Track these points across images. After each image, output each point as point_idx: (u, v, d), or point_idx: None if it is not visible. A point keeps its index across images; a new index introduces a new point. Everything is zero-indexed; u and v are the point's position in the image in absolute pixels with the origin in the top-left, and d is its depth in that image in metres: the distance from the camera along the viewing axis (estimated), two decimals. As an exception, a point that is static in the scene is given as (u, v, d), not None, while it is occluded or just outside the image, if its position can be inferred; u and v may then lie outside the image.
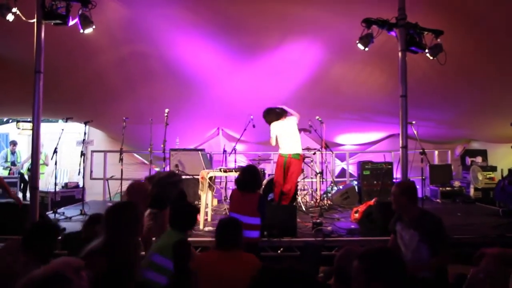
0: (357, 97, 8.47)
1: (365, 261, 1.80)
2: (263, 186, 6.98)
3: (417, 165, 7.57)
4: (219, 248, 2.92)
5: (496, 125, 8.57)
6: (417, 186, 8.20)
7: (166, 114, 5.77)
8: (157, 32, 6.34)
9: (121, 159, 6.45)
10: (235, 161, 7.92)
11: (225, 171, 5.72)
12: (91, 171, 8.78)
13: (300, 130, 10.20)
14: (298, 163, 6.37)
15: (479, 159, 9.26)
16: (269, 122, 6.47)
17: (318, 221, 5.39)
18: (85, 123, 6.86)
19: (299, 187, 7.44)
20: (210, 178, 5.90)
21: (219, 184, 8.11)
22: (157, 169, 10.08)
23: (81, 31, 4.45)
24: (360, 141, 10.72)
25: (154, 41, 6.54)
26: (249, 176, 4.10)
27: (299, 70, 7.71)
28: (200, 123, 9.33)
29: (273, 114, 6.48)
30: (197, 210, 3.31)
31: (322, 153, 7.27)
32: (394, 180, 7.91)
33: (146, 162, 9.47)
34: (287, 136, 6.44)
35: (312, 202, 7.96)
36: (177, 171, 7.92)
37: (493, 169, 8.84)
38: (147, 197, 3.46)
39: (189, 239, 4.76)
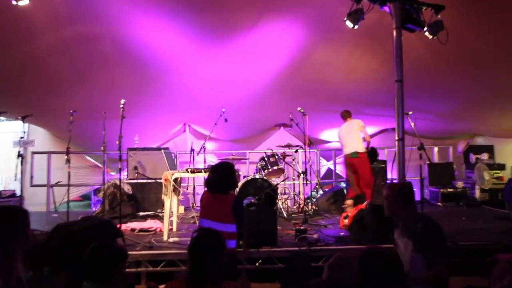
0: (345, 86, 8.52)
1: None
2: (237, 188, 6.99)
3: (415, 164, 7.64)
4: (192, 285, 2.49)
5: (504, 117, 8.73)
6: (415, 189, 8.40)
7: (122, 105, 5.64)
8: (109, 9, 6.21)
9: (68, 160, 6.28)
10: (205, 161, 7.90)
11: (192, 172, 5.66)
12: (32, 177, 8.55)
13: (279, 125, 10.41)
14: (358, 161, 7.16)
15: (485, 156, 9.44)
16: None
17: (302, 228, 5.43)
18: (22, 119, 6.64)
19: (279, 191, 7.50)
20: (175, 180, 5.86)
21: (186, 189, 8.04)
22: (112, 173, 9.93)
23: (14, 2, 4.27)
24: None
25: (105, 20, 6.40)
26: (221, 173, 4.06)
27: (278, 55, 7.71)
28: (163, 118, 9.24)
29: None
30: (120, 253, 2.67)
31: (305, 151, 7.29)
32: (388, 181, 7.99)
33: (99, 165, 9.28)
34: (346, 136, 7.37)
35: (295, 207, 8.01)
36: (136, 174, 7.86)
37: (501, 167, 8.98)
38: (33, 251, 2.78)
39: (151, 252, 4.68)
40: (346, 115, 7.60)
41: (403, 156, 4.86)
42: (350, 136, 7.32)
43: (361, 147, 7.23)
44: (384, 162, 8.25)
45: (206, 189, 4.11)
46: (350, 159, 7.27)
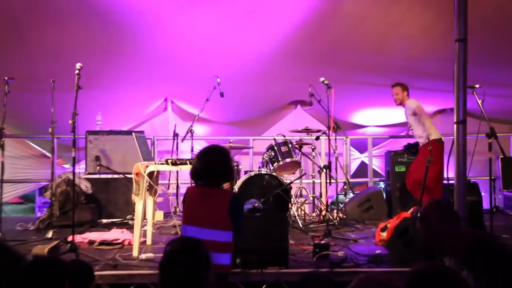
0: (386, 50, 8.45)
1: None
2: (236, 188, 7.03)
3: (482, 158, 7.56)
4: None
5: None
6: (483, 193, 8.27)
7: (77, 71, 5.57)
8: None
9: (1, 147, 6.24)
10: (192, 150, 7.86)
11: (174, 164, 5.62)
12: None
13: (295, 102, 10.36)
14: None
15: None
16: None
17: (322, 243, 5.41)
18: None
19: (293, 193, 7.55)
20: (151, 175, 5.85)
21: (167, 188, 7.99)
22: (66, 166, 9.90)
23: None
24: (390, 121, 10.77)
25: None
26: (211, 160, 4.06)
27: (293, 6, 7.61)
28: (136, 91, 9.25)
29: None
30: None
31: (329, 139, 7.22)
32: (444, 182, 7.92)
33: (47, 154, 9.25)
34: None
35: (314, 214, 8.04)
36: (98, 167, 7.83)
37: None
38: None
39: (115, 272, 4.65)
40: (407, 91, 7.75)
41: (464, 146, 4.76)
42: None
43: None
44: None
45: (192, 184, 4.09)
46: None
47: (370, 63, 8.84)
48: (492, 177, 6.87)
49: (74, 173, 5.83)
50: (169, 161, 5.68)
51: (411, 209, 6.31)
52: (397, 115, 9.99)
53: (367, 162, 9.96)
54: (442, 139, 7.35)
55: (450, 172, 5.27)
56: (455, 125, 4.75)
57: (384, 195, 8.39)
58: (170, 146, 8.36)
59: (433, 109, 10.53)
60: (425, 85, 9.20)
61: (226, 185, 6.15)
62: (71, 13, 7.20)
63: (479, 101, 6.07)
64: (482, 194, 8.21)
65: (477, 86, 5.98)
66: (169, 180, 8.33)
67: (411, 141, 8.54)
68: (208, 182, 4.03)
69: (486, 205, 8.06)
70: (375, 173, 9.84)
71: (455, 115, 4.76)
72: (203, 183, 4.05)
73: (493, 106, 8.64)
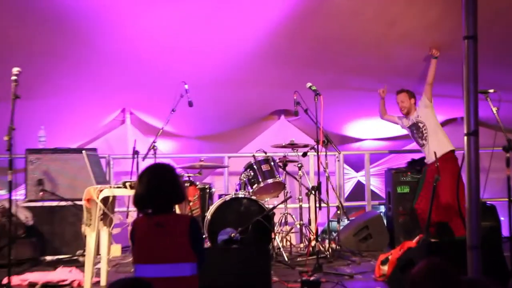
0: (384, 50, 8.48)
1: None
2: (208, 215, 7.04)
3: (499, 176, 7.62)
4: None
5: None
6: (502, 218, 8.28)
7: (14, 77, 5.54)
8: None
9: None
10: (155, 171, 7.77)
11: (133, 187, 5.56)
12: None
13: (278, 112, 10.37)
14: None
15: None
16: None
17: (312, 279, 5.41)
18: None
19: (276, 220, 7.59)
20: (106, 201, 5.83)
21: (126, 217, 7.93)
22: (1, 193, 9.76)
23: None
24: (391, 134, 10.79)
25: None
26: (155, 181, 4.01)
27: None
28: (88, 101, 9.18)
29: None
30: None
31: (319, 155, 7.23)
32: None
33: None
34: None
35: (302, 245, 8.07)
36: (41, 193, 7.74)
37: None
38: None
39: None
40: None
41: (476, 161, 4.76)
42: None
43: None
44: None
45: (139, 215, 4.04)
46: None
47: (366, 65, 8.85)
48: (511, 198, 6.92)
49: (10, 200, 5.78)
50: (128, 184, 5.65)
51: (417, 238, 6.33)
52: (398, 126, 10.06)
53: (364, 182, 9.99)
54: None
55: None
56: (465, 137, 4.78)
57: (385, 221, 8.42)
58: (128, 166, 8.29)
59: (442, 119, 10.59)
60: (433, 91, 9.27)
61: (196, 212, 6.14)
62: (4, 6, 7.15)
63: (494, 109, 6.12)
64: (501, 218, 8.28)
65: (491, 91, 6.03)
66: (127, 207, 8.25)
67: (416, 156, 8.60)
68: (157, 209, 3.97)
69: (505, 231, 8.12)
70: (374, 195, 9.87)
71: (465, 125, 4.78)
72: (152, 211, 3.99)
73: (508, 114, 8.72)
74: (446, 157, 7.48)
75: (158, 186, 3.98)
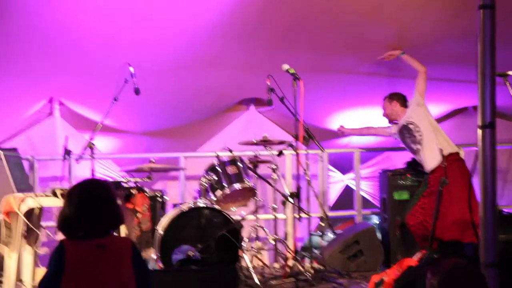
0: (378, 24, 8.50)
1: None
2: (160, 230, 7.02)
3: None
4: None
5: None
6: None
7: None
8: None
9: None
10: (93, 174, 7.69)
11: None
12: None
13: (247, 101, 10.37)
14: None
15: None
16: None
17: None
18: None
19: (245, 234, 7.58)
20: (30, 214, 5.79)
21: (54, 233, 7.86)
22: None
23: None
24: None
25: None
26: (90, 202, 4.00)
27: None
28: (5, 90, 9.11)
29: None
30: None
31: (298, 154, 7.24)
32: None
33: None
34: None
35: (277, 265, 8.11)
36: None
37: None
38: None
39: None
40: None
41: (492, 160, 4.82)
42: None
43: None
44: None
45: (66, 240, 4.00)
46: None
47: (356, 43, 8.87)
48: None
49: None
50: (58, 192, 5.61)
51: (419, 254, 6.36)
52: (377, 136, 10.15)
53: (353, 187, 10.03)
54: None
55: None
56: (479, 130, 4.82)
57: (379, 235, 8.46)
58: (58, 169, 8.25)
59: (449, 108, 10.68)
60: (437, 74, 9.33)
61: (145, 227, 6.12)
62: None
63: (515, 95, 6.20)
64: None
65: (511, 73, 6.09)
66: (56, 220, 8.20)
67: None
68: (91, 233, 3.98)
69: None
70: (365, 203, 9.92)
71: (480, 116, 4.82)
72: (83, 234, 3.98)
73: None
74: (452, 158, 7.60)
75: (92, 210, 3.99)
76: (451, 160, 7.53)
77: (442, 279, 3.06)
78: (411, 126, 7.81)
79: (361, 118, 10.76)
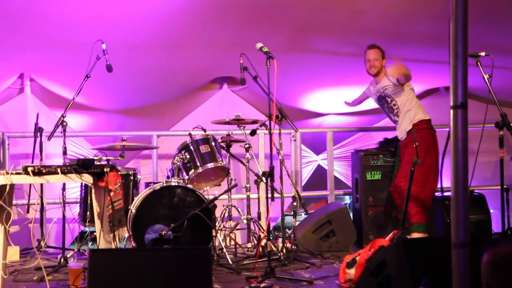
0: (353, 3, 8.52)
1: None
2: (133, 208, 7.06)
3: (490, 159, 7.76)
4: None
5: None
6: (492, 210, 8.41)
7: None
8: None
9: None
10: (65, 152, 7.64)
11: (38, 173, 5.61)
12: None
13: (219, 80, 10.38)
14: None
15: None
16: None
17: (262, 286, 5.50)
18: None
19: (218, 214, 7.59)
20: (1, 191, 5.75)
21: (26, 211, 7.83)
22: None
23: None
24: (359, 108, 10.84)
25: None
26: None
27: None
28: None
29: None
30: None
31: (271, 133, 7.24)
32: (437, 193, 8.07)
33: None
34: None
35: (250, 245, 8.14)
36: None
37: None
38: None
39: None
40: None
41: (464, 141, 4.82)
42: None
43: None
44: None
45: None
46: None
47: (331, 22, 8.88)
48: (505, 186, 7.05)
49: None
50: (30, 169, 5.58)
51: (390, 234, 6.39)
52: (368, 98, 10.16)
53: (325, 167, 10.05)
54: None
55: (445, 180, 5.35)
56: (451, 111, 4.84)
57: (351, 215, 8.50)
58: (29, 147, 8.20)
59: (421, 89, 10.69)
60: (410, 54, 9.31)
61: (118, 205, 6.10)
62: None
63: (486, 76, 6.22)
64: (491, 210, 8.43)
65: (483, 54, 6.12)
66: (28, 199, 8.14)
67: (389, 135, 8.68)
68: None
69: (496, 226, 8.29)
70: (338, 183, 9.92)
71: (452, 97, 4.82)
72: None
73: (506, 82, 8.84)
74: (421, 127, 7.67)
75: None
76: (424, 127, 7.63)
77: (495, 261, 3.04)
78: (388, 99, 7.83)
79: (335, 98, 10.80)
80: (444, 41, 4.99)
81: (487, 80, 6.18)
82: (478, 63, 6.09)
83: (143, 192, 7.25)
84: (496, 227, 8.41)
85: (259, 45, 7.11)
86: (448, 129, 4.72)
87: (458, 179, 4.71)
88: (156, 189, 7.13)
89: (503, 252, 3.03)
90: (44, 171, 5.56)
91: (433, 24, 7.00)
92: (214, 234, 7.16)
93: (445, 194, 7.02)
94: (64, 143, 7.66)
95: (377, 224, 8.00)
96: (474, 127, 5.90)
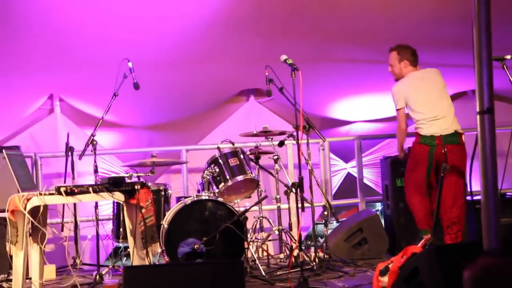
0: (375, 10, 8.47)
1: None
2: (165, 223, 7.02)
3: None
4: None
5: None
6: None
7: None
8: None
9: None
10: (96, 171, 7.71)
11: (70, 193, 5.61)
12: None
13: (246, 92, 10.35)
14: (461, 153, 7.41)
15: None
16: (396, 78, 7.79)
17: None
18: None
19: (249, 226, 7.60)
20: (35, 212, 5.77)
21: (60, 230, 7.88)
22: None
23: None
24: (385, 114, 10.83)
25: None
26: None
27: None
28: (5, 87, 9.07)
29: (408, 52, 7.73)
30: None
31: (299, 144, 7.23)
32: (467, 197, 8.02)
33: None
34: (429, 101, 7.54)
35: (282, 256, 8.10)
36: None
37: None
38: None
39: None
40: (415, 57, 7.76)
41: (492, 144, 4.81)
42: (438, 97, 7.60)
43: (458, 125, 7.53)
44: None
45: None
46: (445, 146, 7.37)
47: (354, 30, 8.83)
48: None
49: None
50: (62, 189, 5.61)
51: (422, 241, 6.36)
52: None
53: (355, 175, 10.03)
54: (429, 140, 7.43)
55: (474, 183, 5.32)
56: (478, 117, 4.82)
57: (383, 222, 8.46)
58: (61, 166, 8.23)
59: (449, 93, 10.64)
60: (435, 59, 9.30)
61: (150, 221, 6.12)
62: None
63: (512, 78, 6.18)
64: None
65: (509, 57, 6.06)
66: (62, 218, 8.20)
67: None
68: None
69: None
70: (368, 191, 9.91)
71: (478, 102, 4.80)
72: None
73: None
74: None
75: None
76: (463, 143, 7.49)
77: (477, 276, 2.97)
78: None
79: (361, 105, 10.78)
80: (468, 44, 4.99)
81: (514, 83, 6.13)
82: (504, 66, 6.03)
83: (174, 207, 7.26)
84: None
85: (284, 57, 7.10)
86: (476, 132, 4.71)
87: (487, 184, 4.69)
88: (187, 203, 7.12)
89: (483, 266, 2.97)
90: (76, 190, 5.59)
91: (457, 28, 6.93)
92: (246, 246, 7.16)
93: (476, 197, 6.99)
94: (95, 162, 7.72)
95: (409, 230, 7.92)
96: (503, 130, 5.89)
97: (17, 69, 8.77)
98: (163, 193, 7.84)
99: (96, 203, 7.57)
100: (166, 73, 9.10)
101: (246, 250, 7.20)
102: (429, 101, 7.49)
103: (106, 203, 8.45)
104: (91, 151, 7.65)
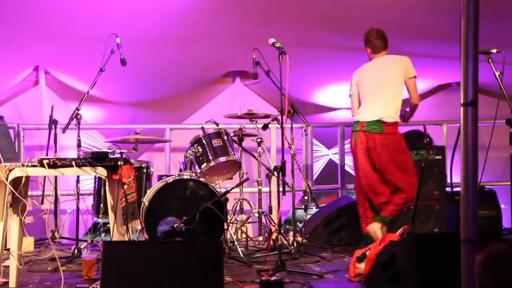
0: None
1: None
2: (146, 201, 7.04)
3: (501, 155, 7.73)
4: None
5: None
6: (503, 205, 8.36)
7: None
8: None
9: None
10: (79, 145, 7.65)
11: (53, 166, 5.63)
12: None
13: (232, 74, 10.33)
14: (387, 139, 7.22)
15: None
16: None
17: (273, 280, 5.48)
18: None
19: (230, 207, 7.61)
20: (16, 183, 5.75)
21: (40, 202, 7.87)
22: None
23: None
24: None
25: None
26: None
27: None
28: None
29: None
30: None
31: (283, 128, 7.23)
32: (447, 189, 8.05)
33: None
34: (371, 89, 7.46)
35: (261, 238, 8.17)
36: None
37: None
38: None
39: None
40: (378, 43, 7.63)
41: (474, 137, 4.81)
42: (380, 86, 7.42)
43: (393, 114, 7.33)
44: (442, 149, 8.26)
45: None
46: (368, 134, 7.30)
47: (341, 17, 8.84)
48: (518, 182, 7.04)
49: None
50: (45, 161, 5.59)
51: (401, 229, 6.38)
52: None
53: (336, 161, 10.06)
54: (360, 126, 7.35)
55: (454, 175, 5.34)
56: (461, 108, 4.84)
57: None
58: (44, 138, 8.21)
59: (433, 84, 10.66)
60: (421, 50, 9.34)
61: (131, 198, 6.13)
62: None
63: (497, 73, 6.19)
64: (502, 206, 8.41)
65: (494, 51, 6.07)
66: (43, 190, 8.16)
67: (402, 129, 8.61)
68: None
69: (506, 221, 8.27)
70: (349, 177, 9.83)
71: (462, 94, 4.82)
72: None
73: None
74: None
75: None
76: (393, 130, 7.34)
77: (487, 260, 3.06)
78: None
79: (347, 92, 10.77)
80: (454, 36, 5.01)
81: (498, 77, 6.15)
82: (490, 60, 6.06)
83: (156, 185, 7.26)
84: (506, 222, 8.41)
85: (272, 40, 7.10)
86: (459, 124, 4.73)
87: (468, 176, 4.71)
88: (168, 182, 7.13)
89: (495, 250, 3.05)
90: (59, 163, 5.58)
91: (444, 19, 6.96)
92: (225, 227, 7.17)
93: (456, 189, 7.02)
94: (79, 136, 7.67)
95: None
96: (485, 123, 5.90)
97: (2, 40, 8.73)
98: (145, 170, 7.84)
99: (78, 177, 7.53)
100: (153, 50, 9.10)
101: (226, 231, 7.21)
102: (371, 89, 7.42)
103: (88, 177, 8.41)
104: (75, 125, 7.58)
